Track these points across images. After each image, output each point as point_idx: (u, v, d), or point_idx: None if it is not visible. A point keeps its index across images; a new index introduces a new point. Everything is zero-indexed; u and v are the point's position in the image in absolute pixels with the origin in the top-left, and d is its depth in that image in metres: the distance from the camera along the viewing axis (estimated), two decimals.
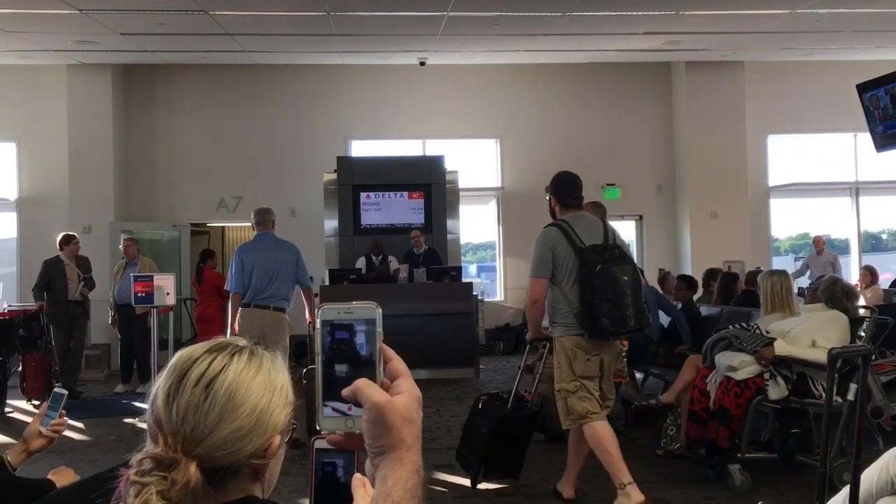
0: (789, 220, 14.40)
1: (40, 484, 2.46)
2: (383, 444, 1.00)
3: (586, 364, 4.55)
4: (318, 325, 1.05)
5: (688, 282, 7.65)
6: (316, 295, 11.41)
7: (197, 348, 1.28)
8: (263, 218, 6.80)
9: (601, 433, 4.50)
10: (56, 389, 2.57)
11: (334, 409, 1.04)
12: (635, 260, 9.39)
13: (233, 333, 6.51)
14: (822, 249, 12.22)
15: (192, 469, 1.16)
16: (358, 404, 1.01)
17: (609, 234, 4.83)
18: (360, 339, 1.05)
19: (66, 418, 2.56)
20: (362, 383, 1.00)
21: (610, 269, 4.51)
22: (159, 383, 1.24)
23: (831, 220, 14.46)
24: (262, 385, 1.25)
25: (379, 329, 1.05)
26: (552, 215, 4.88)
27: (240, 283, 6.58)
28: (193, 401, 1.20)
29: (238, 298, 6.60)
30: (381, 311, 1.05)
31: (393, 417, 1.00)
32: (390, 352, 1.05)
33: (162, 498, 1.12)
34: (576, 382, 4.53)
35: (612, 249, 4.69)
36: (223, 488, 1.21)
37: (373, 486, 1.04)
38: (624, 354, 5.65)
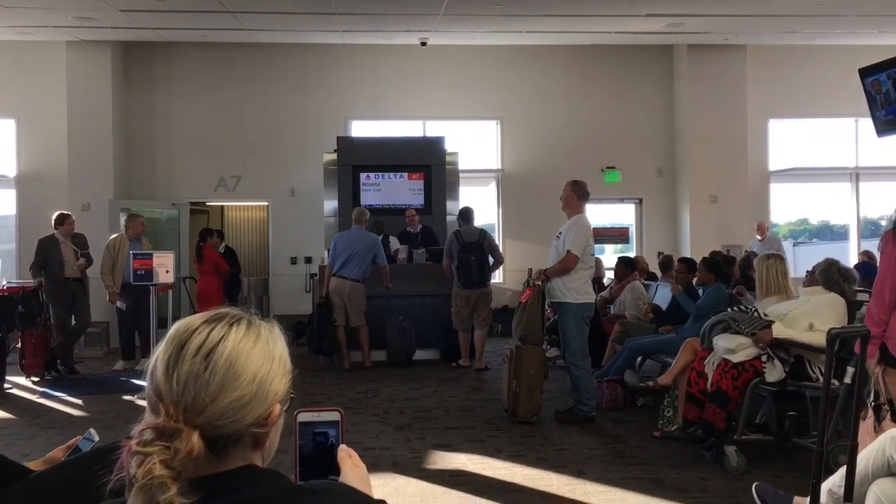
0: (789, 205, 14.40)
1: (18, 469, 2.42)
2: None
3: (459, 300, 8.98)
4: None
5: (688, 264, 7.65)
6: (314, 275, 11.50)
7: (195, 319, 1.28)
8: (358, 217, 9.33)
9: (461, 336, 9.13)
10: (91, 430, 2.55)
11: None
12: (634, 243, 11.46)
13: (325, 295, 9.14)
14: (765, 235, 12.06)
15: (195, 438, 1.16)
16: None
17: (480, 237, 9.08)
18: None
19: None
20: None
21: (464, 255, 8.91)
22: (158, 354, 1.24)
23: (831, 205, 14.46)
24: (261, 354, 1.25)
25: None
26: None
27: (331, 259, 9.11)
28: (193, 371, 1.20)
29: (329, 270, 9.13)
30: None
31: None
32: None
33: (165, 467, 1.12)
34: (455, 311, 9.03)
35: (471, 245, 8.96)
36: (225, 457, 1.22)
37: None
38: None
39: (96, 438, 2.47)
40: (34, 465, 2.42)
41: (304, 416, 1.43)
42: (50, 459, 2.44)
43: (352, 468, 1.39)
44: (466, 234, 9.12)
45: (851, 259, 12.57)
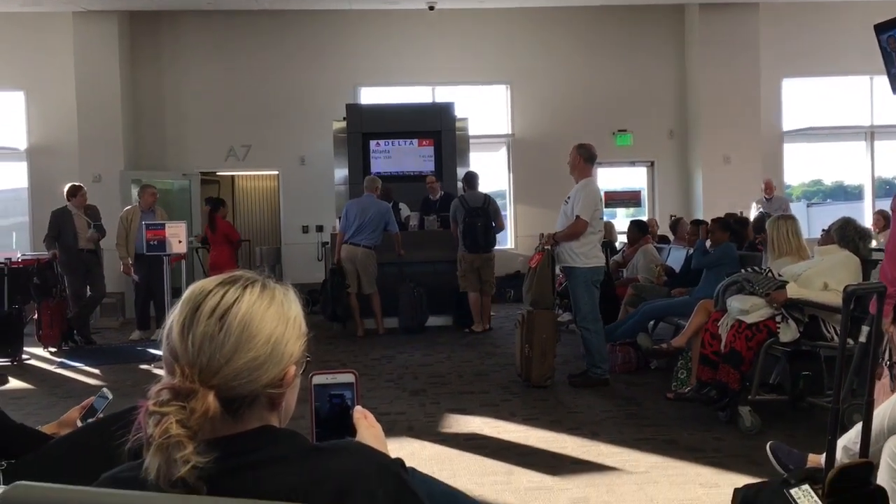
0: (803, 166, 14.26)
1: (38, 437, 2.46)
2: None
3: (464, 264, 9.11)
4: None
5: (700, 226, 7.64)
6: (326, 243, 11.52)
7: (209, 281, 1.28)
8: (370, 185, 9.35)
9: (471, 297, 9.22)
10: (104, 390, 2.57)
11: None
12: (646, 207, 11.37)
13: (337, 262, 9.17)
14: (772, 194, 11.51)
15: (211, 398, 1.17)
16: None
17: (485, 202, 9.12)
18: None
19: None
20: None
21: (470, 220, 8.99)
22: (173, 316, 1.25)
23: (845, 165, 14.31)
24: (275, 316, 1.26)
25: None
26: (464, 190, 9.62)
27: (343, 227, 9.15)
28: (208, 332, 1.21)
29: (341, 237, 9.17)
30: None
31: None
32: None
33: (182, 426, 1.13)
34: (461, 274, 9.16)
35: (477, 210, 9.01)
36: (241, 417, 1.23)
37: None
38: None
39: (110, 397, 2.50)
40: (49, 427, 2.46)
41: (319, 379, 1.44)
42: (65, 420, 2.48)
43: (368, 428, 1.39)
44: (471, 198, 9.19)
45: (866, 219, 12.47)
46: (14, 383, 7.16)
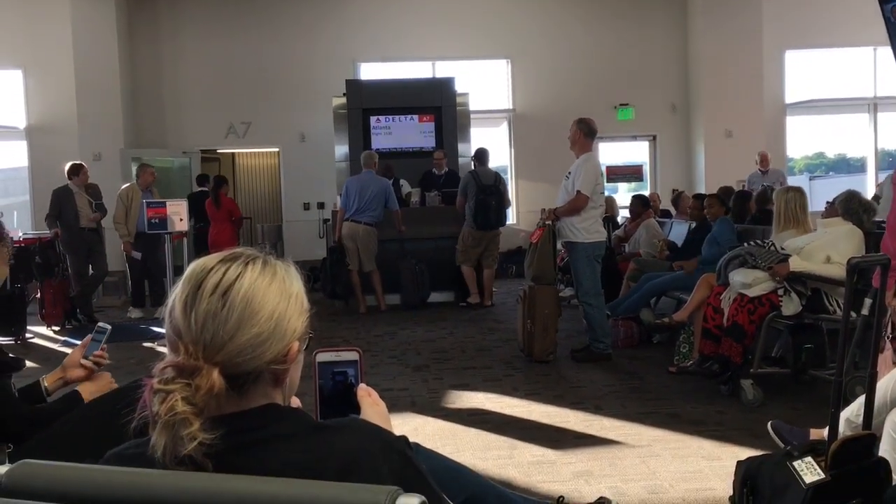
0: (805, 139, 14.20)
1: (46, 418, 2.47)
2: None
3: (470, 240, 9.11)
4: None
5: (702, 200, 7.61)
6: (327, 220, 11.50)
7: (211, 259, 1.28)
8: (367, 160, 9.24)
9: (465, 271, 9.23)
10: (100, 324, 2.58)
11: None
12: (648, 181, 12.32)
13: (337, 240, 9.10)
14: (768, 167, 11.18)
15: (215, 375, 1.17)
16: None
17: (496, 180, 9.18)
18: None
19: (106, 353, 2.56)
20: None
21: (484, 197, 8.93)
22: (175, 294, 1.25)
23: (848, 137, 14.25)
24: (277, 292, 1.25)
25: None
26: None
27: (344, 204, 9.10)
28: (211, 309, 1.21)
29: (342, 214, 9.10)
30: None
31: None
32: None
33: (187, 403, 1.13)
34: (463, 248, 9.13)
35: (490, 187, 9.00)
36: (246, 394, 1.23)
37: None
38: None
39: (108, 328, 2.52)
40: (54, 374, 2.49)
41: (322, 356, 1.44)
42: (68, 363, 2.52)
43: (372, 406, 1.40)
44: (483, 175, 9.17)
45: (869, 192, 12.42)
46: None
